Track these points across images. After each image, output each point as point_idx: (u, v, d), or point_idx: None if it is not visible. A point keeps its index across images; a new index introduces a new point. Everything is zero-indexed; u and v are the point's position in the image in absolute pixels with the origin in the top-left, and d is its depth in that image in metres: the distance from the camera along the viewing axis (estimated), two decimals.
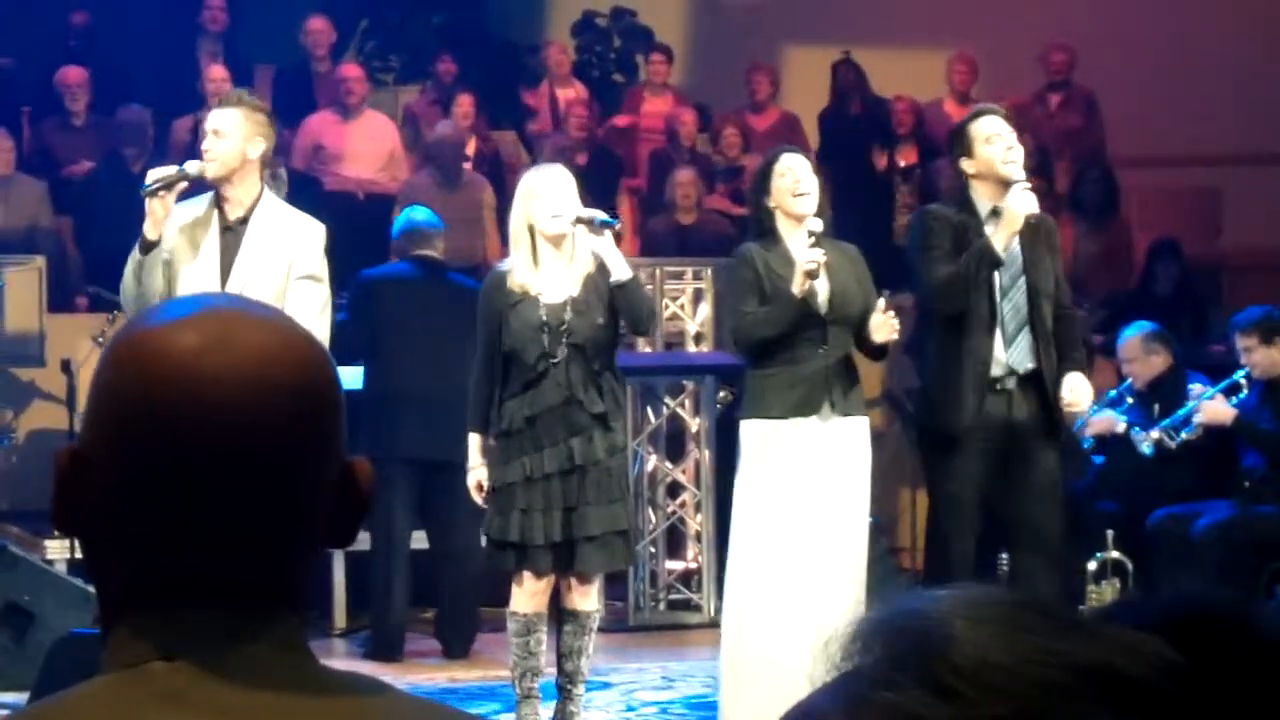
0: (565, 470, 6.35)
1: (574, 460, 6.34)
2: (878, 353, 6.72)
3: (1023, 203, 6.61)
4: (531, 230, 6.39)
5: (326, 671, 1.37)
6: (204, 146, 6.26)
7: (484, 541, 6.62)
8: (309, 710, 1.33)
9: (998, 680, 0.95)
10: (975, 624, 0.98)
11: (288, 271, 6.20)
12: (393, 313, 8.08)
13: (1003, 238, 6.62)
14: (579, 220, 6.34)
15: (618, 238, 6.56)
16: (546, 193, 6.36)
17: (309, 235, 6.28)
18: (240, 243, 6.21)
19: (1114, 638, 1.00)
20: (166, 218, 6.14)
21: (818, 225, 6.51)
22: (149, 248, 6.13)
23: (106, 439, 1.36)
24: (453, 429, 8.13)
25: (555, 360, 6.33)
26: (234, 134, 6.19)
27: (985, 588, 1.03)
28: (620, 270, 6.36)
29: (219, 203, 6.23)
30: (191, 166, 6.21)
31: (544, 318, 6.33)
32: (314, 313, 6.15)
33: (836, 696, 0.99)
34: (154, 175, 6.17)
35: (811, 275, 6.44)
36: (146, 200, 6.13)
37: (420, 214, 8.65)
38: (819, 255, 6.44)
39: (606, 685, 7.66)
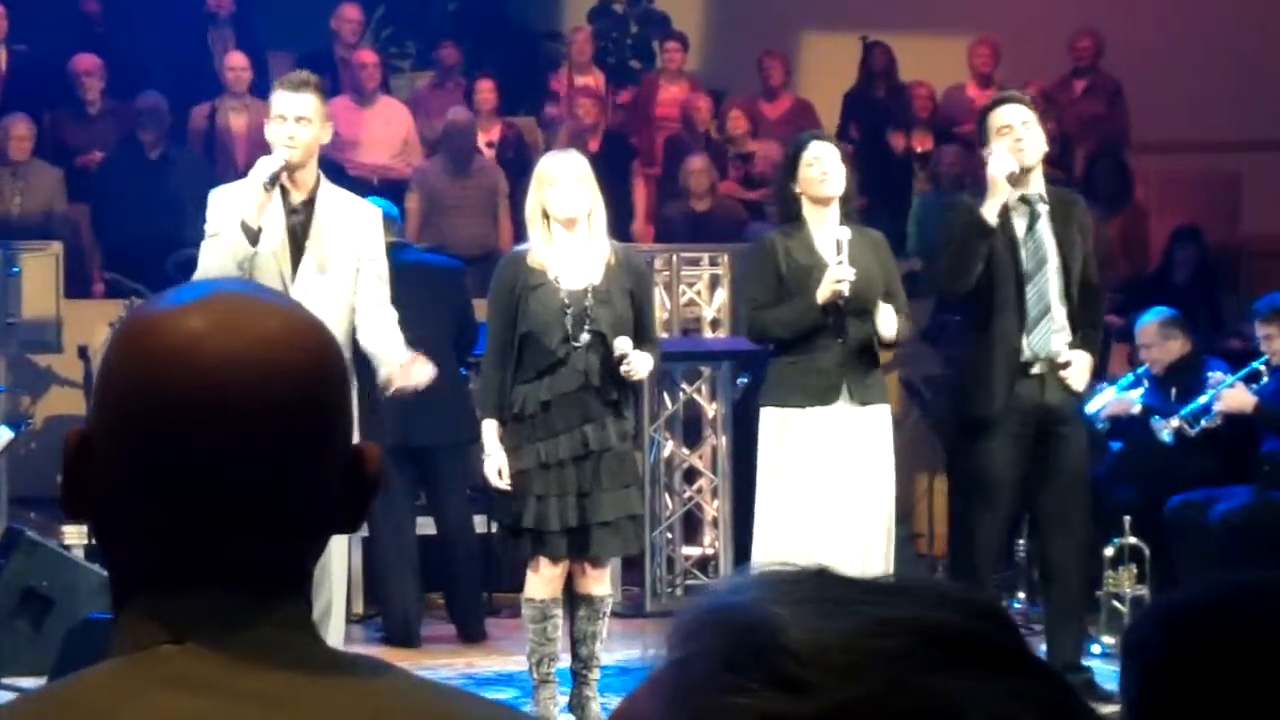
0: (579, 456, 6.35)
1: (588, 446, 6.34)
2: (887, 344, 6.75)
3: (999, 163, 6.64)
4: (546, 215, 6.38)
5: (334, 653, 1.38)
6: (289, 134, 6.07)
7: (495, 528, 6.61)
8: (318, 691, 1.33)
9: (841, 662, 0.93)
10: (792, 605, 0.95)
11: (357, 256, 6.18)
12: None
13: (992, 205, 6.67)
14: (621, 357, 6.30)
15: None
16: (561, 178, 6.35)
17: (372, 220, 6.31)
18: (309, 227, 6.14)
19: (924, 595, 0.98)
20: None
21: (846, 234, 6.56)
22: (257, 237, 6.01)
23: (112, 423, 1.36)
24: (438, 411, 8.14)
25: (577, 346, 6.32)
26: (315, 119, 6.11)
27: (775, 567, 1.00)
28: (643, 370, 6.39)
29: (281, 187, 6.12)
30: (283, 154, 6.07)
31: (566, 302, 6.32)
32: (387, 302, 6.20)
33: (674, 702, 0.95)
34: (268, 166, 6.03)
35: (839, 295, 6.49)
36: (262, 190, 5.98)
37: (373, 203, 8.60)
38: (849, 274, 6.49)
39: (623, 671, 7.66)
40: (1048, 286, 6.80)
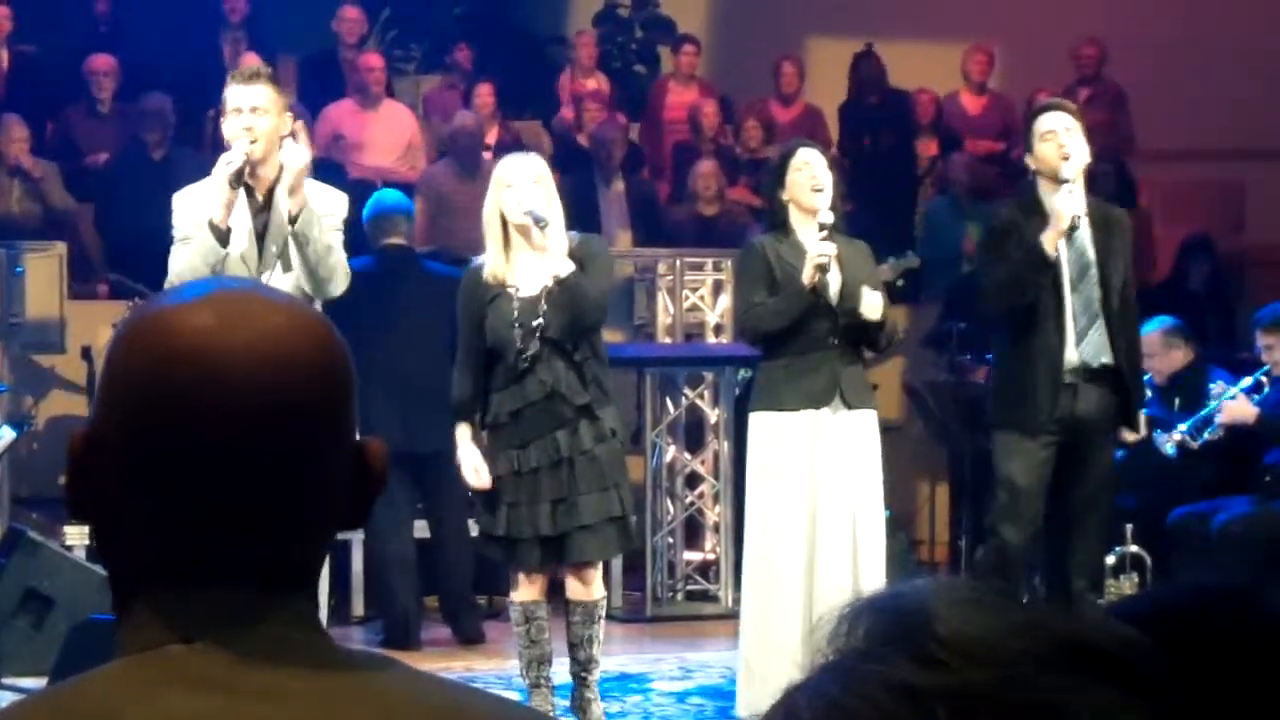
0: (553, 462, 6.30)
1: (560, 453, 6.29)
2: (873, 341, 6.73)
3: (1068, 204, 6.61)
4: (504, 220, 6.33)
5: (342, 650, 1.38)
6: (245, 125, 6.00)
7: (475, 533, 6.59)
8: (327, 689, 1.33)
9: (978, 650, 1.01)
10: (953, 603, 1.04)
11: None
12: (366, 309, 7.92)
13: (1051, 238, 6.64)
14: (527, 213, 6.27)
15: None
16: (517, 182, 6.28)
17: (336, 206, 6.19)
18: (273, 219, 6.05)
19: (1083, 617, 1.06)
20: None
21: (829, 218, 6.56)
22: (226, 237, 5.94)
23: (120, 420, 1.36)
24: (436, 419, 8.13)
25: (528, 356, 6.26)
26: (272, 110, 6.04)
27: (958, 577, 1.09)
28: (561, 266, 6.29)
29: (246, 186, 6.03)
30: (243, 146, 5.98)
31: (516, 314, 6.25)
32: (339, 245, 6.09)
33: (829, 675, 1.04)
34: (230, 163, 5.94)
35: (822, 269, 6.48)
36: (227, 188, 5.91)
37: (389, 197, 8.60)
38: (830, 249, 6.49)
39: (624, 675, 7.67)
40: (1094, 295, 6.78)
